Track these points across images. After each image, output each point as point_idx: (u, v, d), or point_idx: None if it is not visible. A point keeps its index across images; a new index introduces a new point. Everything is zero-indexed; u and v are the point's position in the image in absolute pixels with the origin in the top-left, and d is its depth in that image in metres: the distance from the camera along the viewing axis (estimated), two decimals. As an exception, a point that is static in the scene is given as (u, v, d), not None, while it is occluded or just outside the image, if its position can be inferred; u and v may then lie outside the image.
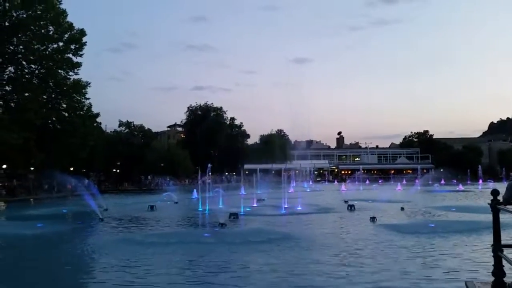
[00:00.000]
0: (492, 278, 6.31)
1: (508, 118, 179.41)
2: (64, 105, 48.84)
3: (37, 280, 10.24)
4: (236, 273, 10.18)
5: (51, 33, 46.28)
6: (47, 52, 46.61)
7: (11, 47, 44.97)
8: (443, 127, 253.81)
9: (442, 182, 67.42)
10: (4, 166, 50.57)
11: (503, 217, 6.39)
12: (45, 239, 16.65)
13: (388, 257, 11.64)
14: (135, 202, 36.36)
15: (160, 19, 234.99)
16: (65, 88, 47.66)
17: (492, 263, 6.20)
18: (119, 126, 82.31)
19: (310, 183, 74.92)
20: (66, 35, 46.87)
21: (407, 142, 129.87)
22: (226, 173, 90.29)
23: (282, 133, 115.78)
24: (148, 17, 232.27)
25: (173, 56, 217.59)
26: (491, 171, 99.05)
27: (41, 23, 45.21)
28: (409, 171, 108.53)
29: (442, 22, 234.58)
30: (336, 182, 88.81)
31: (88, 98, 49.51)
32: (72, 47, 47.37)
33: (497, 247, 6.03)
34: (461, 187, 56.00)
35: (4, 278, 10.47)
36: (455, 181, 69.68)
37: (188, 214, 26.56)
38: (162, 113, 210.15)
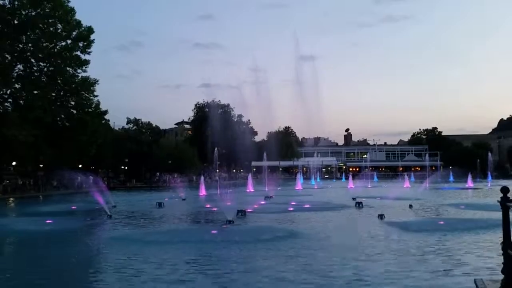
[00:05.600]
0: (501, 276, 6.27)
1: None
2: (73, 103, 49.21)
3: (47, 276, 10.29)
4: (241, 273, 10.16)
5: (59, 31, 46.61)
6: (55, 50, 46.95)
7: (20, 45, 45.32)
8: (453, 124, 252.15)
9: (451, 179, 66.95)
10: (14, 163, 51.02)
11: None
12: (54, 235, 16.77)
13: (396, 255, 11.57)
14: (143, 199, 36.51)
15: (168, 18, 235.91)
16: (73, 85, 47.99)
17: (502, 261, 6.15)
18: (127, 123, 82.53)
19: (318, 180, 74.76)
20: (74, 33, 47.13)
21: (416, 139, 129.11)
22: (234, 170, 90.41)
23: (290, 130, 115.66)
24: (156, 15, 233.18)
25: (180, 54, 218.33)
26: (500, 169, 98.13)
27: (50, 21, 45.51)
28: (417, 168, 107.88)
29: (450, 19, 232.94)
30: (344, 179, 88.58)
31: (96, 96, 49.94)
32: (80, 44, 47.66)
33: (507, 245, 5.98)
34: (470, 184, 55.56)
35: (15, 273, 10.56)
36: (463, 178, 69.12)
37: (196, 211, 26.64)
38: (170, 111, 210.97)
